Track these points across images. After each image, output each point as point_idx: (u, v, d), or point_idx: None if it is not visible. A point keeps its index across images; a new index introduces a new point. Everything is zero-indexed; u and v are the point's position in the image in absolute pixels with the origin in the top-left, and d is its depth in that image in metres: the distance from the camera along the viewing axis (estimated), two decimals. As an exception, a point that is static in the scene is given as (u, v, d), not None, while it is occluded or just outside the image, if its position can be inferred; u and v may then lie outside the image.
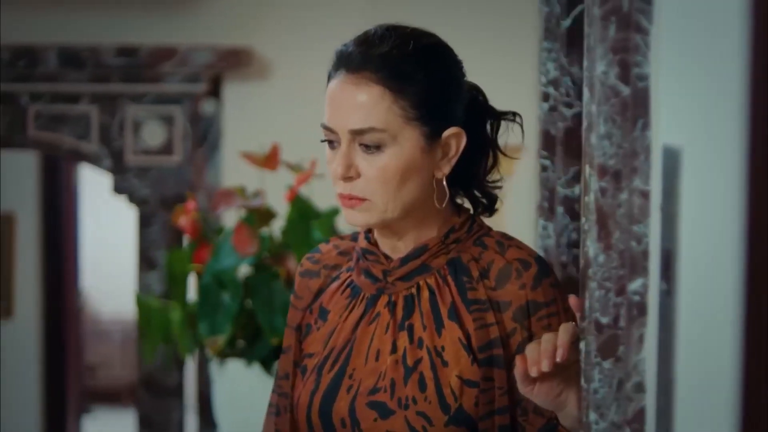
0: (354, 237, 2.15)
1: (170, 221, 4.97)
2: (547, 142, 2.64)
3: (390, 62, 1.95)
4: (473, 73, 2.11)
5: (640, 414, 1.56)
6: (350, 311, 2.05)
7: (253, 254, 3.36)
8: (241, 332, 3.46)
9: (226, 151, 4.91)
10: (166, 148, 4.93)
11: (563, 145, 2.59)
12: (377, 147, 1.94)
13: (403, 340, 1.99)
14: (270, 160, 3.56)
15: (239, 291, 3.36)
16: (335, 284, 2.10)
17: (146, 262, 5.01)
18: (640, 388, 1.56)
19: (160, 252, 4.97)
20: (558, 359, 1.78)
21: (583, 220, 1.75)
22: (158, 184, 4.94)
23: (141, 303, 3.54)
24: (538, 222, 2.66)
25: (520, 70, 4.06)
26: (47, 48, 4.78)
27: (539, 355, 1.80)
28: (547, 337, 1.82)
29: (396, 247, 2.03)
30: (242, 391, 3.52)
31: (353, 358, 2.02)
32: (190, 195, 3.66)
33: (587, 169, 1.71)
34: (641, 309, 1.55)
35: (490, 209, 2.10)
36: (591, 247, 1.62)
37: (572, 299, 1.82)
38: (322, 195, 3.70)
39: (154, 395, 5.00)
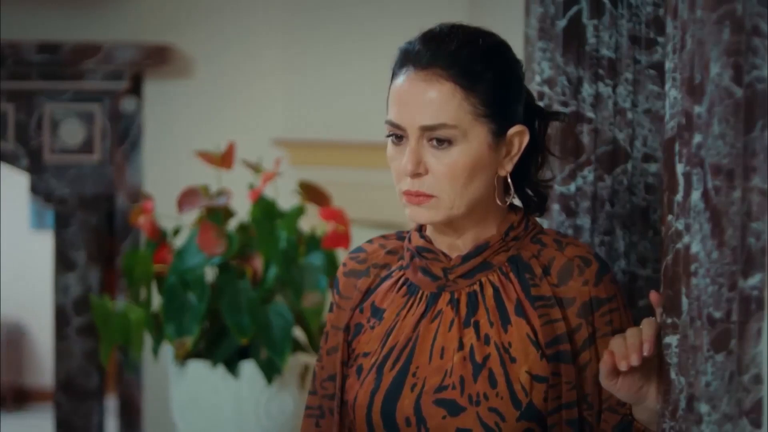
0: (399, 236, 2.16)
1: (89, 221, 4.89)
2: (542, 140, 2.69)
3: (460, 59, 1.97)
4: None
5: (758, 405, 1.61)
6: (409, 309, 2.06)
7: (220, 254, 3.34)
8: (204, 332, 3.43)
9: (147, 150, 4.85)
10: (86, 147, 4.85)
11: (559, 143, 2.64)
12: (448, 142, 1.96)
13: (470, 336, 2.01)
14: (226, 158, 3.54)
15: (206, 291, 3.33)
16: (388, 283, 2.11)
17: (64, 263, 4.92)
18: (758, 379, 1.61)
19: (79, 253, 4.89)
20: (645, 353, 1.82)
21: (670, 217, 1.80)
22: (77, 184, 4.86)
23: (96, 305, 3.48)
24: (533, 219, 2.71)
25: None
26: (-34, 44, 4.67)
27: (626, 349, 1.84)
28: (632, 332, 1.86)
29: (454, 245, 2.05)
30: (203, 392, 3.49)
31: (416, 356, 2.03)
32: (146, 196, 3.60)
33: (681, 168, 1.75)
34: (759, 303, 1.60)
35: (541, 208, 2.14)
36: (697, 243, 1.67)
37: (653, 295, 1.87)
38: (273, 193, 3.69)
39: (73, 398, 4.92)
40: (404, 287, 2.09)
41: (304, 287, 3.37)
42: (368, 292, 2.12)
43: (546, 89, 2.61)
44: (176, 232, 3.56)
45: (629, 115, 2.53)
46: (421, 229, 2.10)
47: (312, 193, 3.55)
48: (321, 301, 3.38)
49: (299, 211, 3.42)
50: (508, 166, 2.03)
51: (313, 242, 3.41)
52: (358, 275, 2.14)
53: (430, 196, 1.98)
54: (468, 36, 2.02)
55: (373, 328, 2.09)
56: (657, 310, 1.86)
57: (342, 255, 3.49)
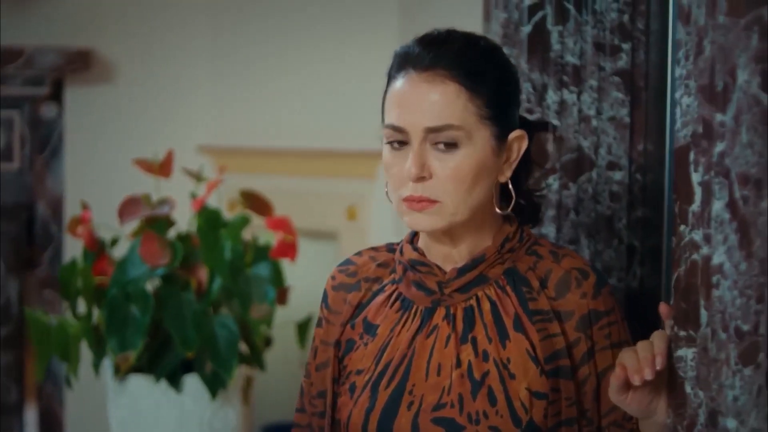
0: (390, 248, 2.10)
1: (8, 231, 4.73)
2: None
3: (464, 60, 1.93)
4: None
5: (790, 420, 1.58)
6: (403, 325, 2.00)
7: (163, 265, 3.23)
8: (146, 346, 3.32)
9: (68, 157, 4.71)
10: (5, 155, 4.69)
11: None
12: (453, 145, 1.91)
13: (468, 353, 1.95)
14: (164, 167, 3.43)
15: (149, 304, 3.22)
16: (380, 297, 2.04)
17: (-19, 274, 4.76)
18: (789, 393, 1.58)
19: (-4, 264, 4.73)
20: (658, 367, 1.78)
21: (682, 228, 1.76)
22: (-5, 192, 4.70)
23: (32, 318, 3.35)
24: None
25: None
26: None
27: (638, 363, 1.79)
28: (643, 345, 1.81)
29: (449, 256, 1.99)
30: (144, 408, 3.38)
31: (412, 373, 1.96)
32: (84, 204, 3.48)
33: (697, 177, 1.71)
34: (791, 316, 1.57)
35: (535, 218, 2.08)
36: (721, 255, 1.63)
37: (663, 307, 1.82)
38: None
39: (-8, 414, 4.77)
40: (398, 302, 2.02)
41: (252, 298, 3.28)
42: (360, 306, 2.06)
43: (510, 96, 2.57)
44: (114, 242, 3.44)
45: (594, 122, 2.50)
46: (412, 240, 2.04)
47: (253, 201, 3.46)
48: (269, 313, 3.29)
49: (244, 221, 3.33)
50: (508, 172, 1.98)
51: (259, 252, 3.32)
52: (348, 289, 2.08)
53: (434, 202, 1.92)
54: (468, 38, 1.97)
55: (366, 344, 2.02)
56: (666, 323, 1.82)
57: (287, 265, 3.41)
